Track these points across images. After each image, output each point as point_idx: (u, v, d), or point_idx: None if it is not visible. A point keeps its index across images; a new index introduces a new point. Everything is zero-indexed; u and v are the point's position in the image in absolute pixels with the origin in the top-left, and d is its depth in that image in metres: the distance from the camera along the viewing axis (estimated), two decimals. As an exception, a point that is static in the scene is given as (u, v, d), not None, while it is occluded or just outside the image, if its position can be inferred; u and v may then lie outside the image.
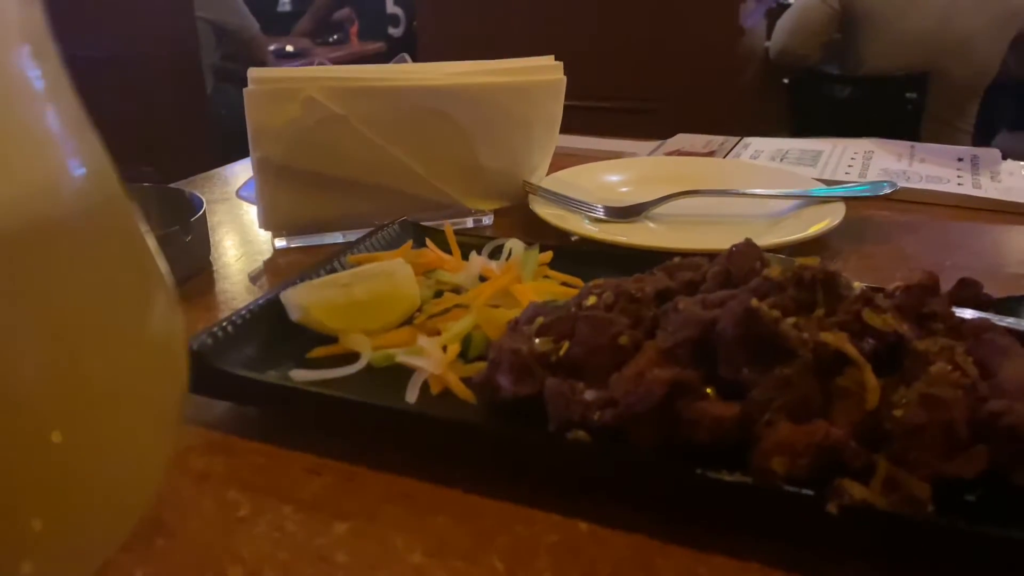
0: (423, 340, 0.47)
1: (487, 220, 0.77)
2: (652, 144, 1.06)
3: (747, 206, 0.77)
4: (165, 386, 0.23)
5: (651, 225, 0.75)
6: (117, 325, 0.20)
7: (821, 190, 0.77)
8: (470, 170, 0.75)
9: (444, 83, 0.71)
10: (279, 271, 0.69)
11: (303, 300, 0.49)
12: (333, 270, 0.56)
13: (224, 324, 0.48)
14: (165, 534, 0.38)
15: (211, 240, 0.71)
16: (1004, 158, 0.95)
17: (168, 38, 2.61)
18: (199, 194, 0.69)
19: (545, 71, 0.75)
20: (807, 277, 0.43)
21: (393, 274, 0.52)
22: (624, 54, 2.09)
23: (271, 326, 0.50)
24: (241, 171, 0.99)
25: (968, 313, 0.47)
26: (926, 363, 0.39)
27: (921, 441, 0.35)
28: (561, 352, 0.43)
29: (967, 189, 0.83)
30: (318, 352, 0.49)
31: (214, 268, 0.69)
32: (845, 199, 0.74)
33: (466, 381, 0.45)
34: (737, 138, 1.06)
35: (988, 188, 0.83)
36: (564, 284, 0.57)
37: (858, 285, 0.46)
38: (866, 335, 0.40)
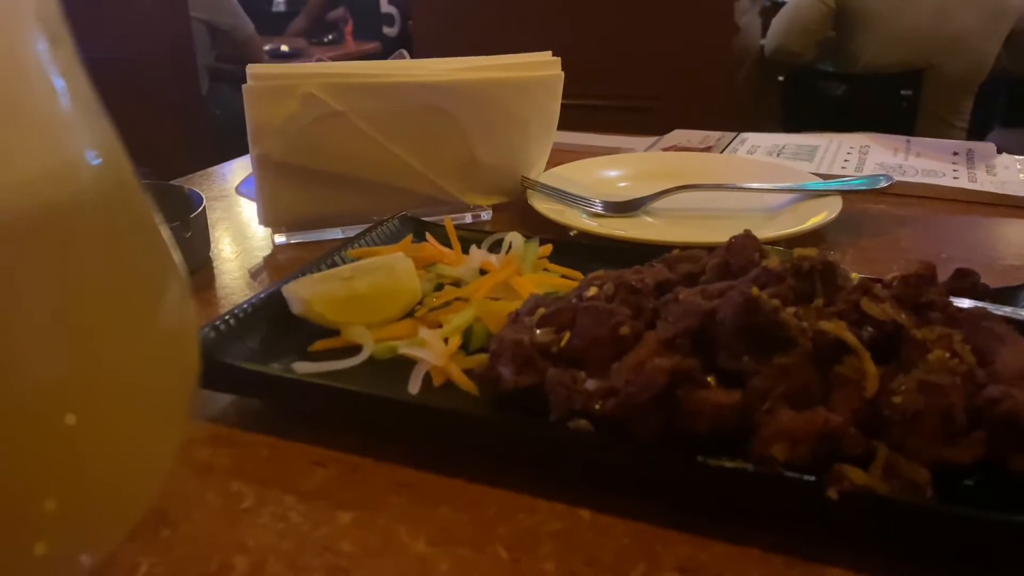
0: (425, 332, 0.48)
1: (485, 216, 0.78)
2: (649, 140, 1.06)
3: (744, 200, 0.78)
4: (177, 374, 0.23)
5: (649, 220, 0.76)
6: (131, 311, 0.21)
7: (818, 184, 0.78)
8: (468, 166, 0.75)
9: (442, 79, 0.72)
10: (279, 267, 0.69)
11: (305, 293, 0.50)
12: (334, 264, 0.56)
13: (226, 318, 0.48)
14: (169, 525, 0.38)
15: (210, 237, 0.71)
16: (998, 152, 0.95)
17: (163, 39, 2.61)
18: (198, 191, 0.70)
19: (543, 67, 0.76)
20: (806, 267, 0.43)
21: (394, 268, 0.52)
22: (619, 52, 2.10)
23: (273, 320, 0.51)
24: (239, 168, 0.99)
25: (965, 303, 0.48)
26: (924, 351, 0.39)
27: (920, 427, 0.36)
28: (562, 343, 0.43)
29: (963, 182, 0.83)
30: (320, 345, 0.49)
31: (214, 264, 0.70)
32: (841, 192, 0.74)
33: (468, 373, 0.46)
34: (734, 134, 1.06)
35: (983, 181, 0.84)
36: (564, 277, 0.57)
37: (855, 276, 0.46)
38: (864, 324, 0.41)
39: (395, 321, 0.51)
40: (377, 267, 0.52)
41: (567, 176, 0.82)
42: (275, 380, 0.45)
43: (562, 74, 0.76)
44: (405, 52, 0.90)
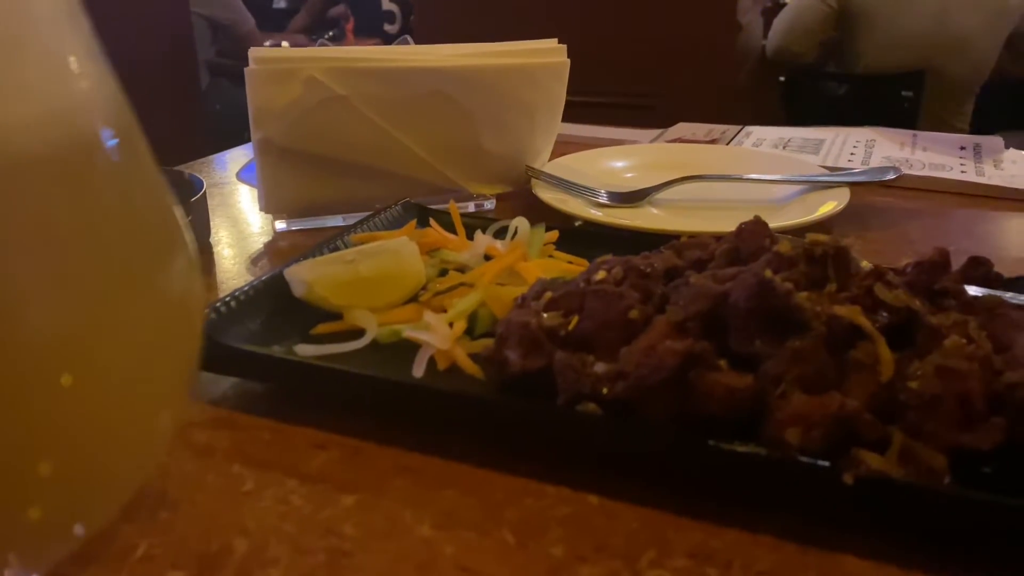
0: (429, 316, 0.47)
1: (489, 205, 0.77)
2: (653, 132, 1.06)
3: (751, 192, 0.77)
4: (179, 344, 0.23)
5: (654, 211, 0.75)
6: (136, 272, 0.20)
7: (825, 175, 0.77)
8: (473, 154, 0.75)
9: (447, 64, 0.71)
10: (280, 253, 0.68)
11: (307, 276, 0.49)
12: (336, 249, 0.56)
13: (228, 300, 0.48)
14: (169, 507, 0.38)
15: (210, 223, 0.70)
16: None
17: (164, 33, 2.60)
18: (199, 176, 0.69)
19: (549, 54, 0.75)
20: (818, 252, 0.42)
21: (398, 252, 0.51)
22: (620, 50, 2.09)
23: (275, 303, 0.50)
24: (239, 156, 0.98)
25: (978, 291, 0.47)
26: (940, 337, 0.38)
27: (937, 412, 0.35)
28: (570, 326, 0.42)
29: (970, 176, 0.83)
30: (322, 328, 0.48)
31: (213, 250, 0.69)
32: (849, 185, 0.74)
33: (473, 357, 0.45)
34: (739, 127, 1.05)
35: (991, 175, 0.83)
36: (570, 264, 0.56)
37: (866, 264, 0.46)
38: (878, 310, 0.40)
39: (399, 305, 0.50)
40: (381, 251, 0.51)
41: (572, 166, 0.82)
42: (277, 362, 0.44)
43: (568, 61, 0.76)
44: (409, 38, 0.90)
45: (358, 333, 0.47)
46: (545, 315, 0.43)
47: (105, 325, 0.19)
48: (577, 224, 0.69)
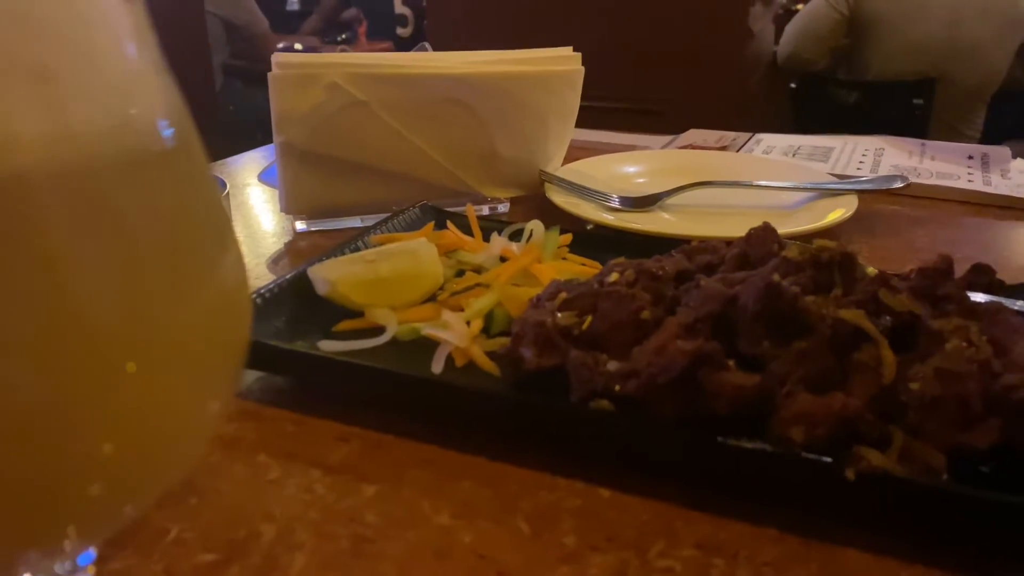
0: (447, 314, 0.48)
1: (502, 208, 0.78)
2: (665, 139, 1.07)
3: (760, 198, 0.78)
4: (230, 335, 0.24)
5: (665, 215, 0.76)
6: (193, 266, 0.21)
7: (833, 183, 0.78)
8: (487, 158, 0.76)
9: (463, 71, 0.72)
10: (299, 253, 0.70)
11: (330, 275, 0.51)
12: (357, 249, 0.57)
13: (253, 297, 0.49)
14: (197, 494, 0.39)
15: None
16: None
17: (178, 34, 2.63)
18: (221, 176, 0.71)
19: (564, 61, 0.76)
20: (825, 258, 0.44)
21: (417, 252, 0.53)
22: (631, 56, 2.10)
23: (298, 300, 0.52)
24: (258, 158, 1.00)
25: (981, 297, 0.48)
26: (941, 341, 0.40)
27: (937, 413, 0.37)
28: (584, 326, 0.44)
29: (977, 185, 0.84)
30: (344, 325, 0.50)
31: (235, 250, 0.70)
32: (857, 192, 0.75)
33: (489, 355, 0.46)
34: (749, 134, 1.07)
35: (998, 185, 0.84)
36: (583, 266, 0.58)
37: (872, 270, 0.47)
38: (882, 314, 0.42)
39: (417, 304, 0.52)
40: (400, 252, 0.53)
41: (584, 171, 0.83)
42: (302, 357, 0.46)
43: (582, 69, 0.77)
44: (427, 44, 0.91)
45: (378, 330, 0.49)
46: (560, 315, 0.45)
47: (166, 317, 0.21)
48: (588, 227, 0.71)
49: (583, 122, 0.87)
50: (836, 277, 0.44)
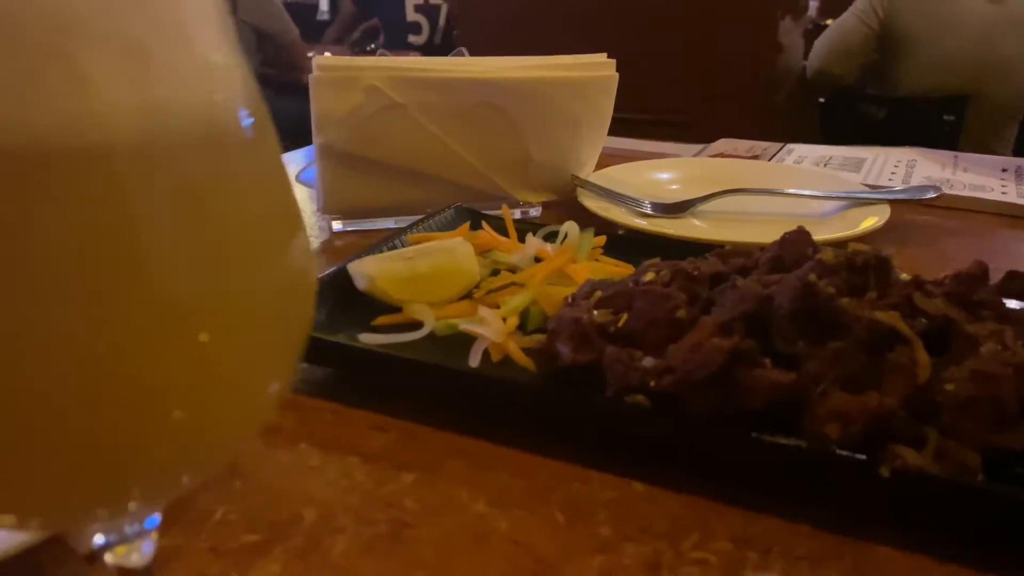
0: (484, 311, 0.49)
1: (534, 212, 0.79)
2: (696, 147, 1.07)
3: (792, 206, 0.78)
4: (296, 316, 0.25)
5: (696, 223, 0.77)
6: (266, 245, 0.22)
7: (865, 192, 0.78)
8: (521, 163, 0.77)
9: (499, 76, 0.74)
10: (336, 251, 0.72)
11: (370, 271, 0.52)
12: (395, 247, 0.58)
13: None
14: (242, 477, 0.40)
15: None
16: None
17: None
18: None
19: (598, 67, 0.77)
20: (860, 261, 0.44)
21: (454, 250, 0.54)
22: (659, 68, 2.10)
23: (339, 295, 0.53)
24: (299, 158, 1.02)
25: (1015, 304, 0.48)
26: (976, 345, 0.40)
27: (972, 413, 0.37)
28: (619, 323, 0.44)
29: (1011, 197, 0.84)
30: (383, 320, 0.51)
31: (273, 248, 0.72)
32: (889, 202, 0.75)
33: (525, 351, 0.47)
34: (780, 144, 1.07)
35: (1032, 198, 0.84)
36: (616, 268, 0.58)
37: (905, 276, 0.47)
38: (916, 317, 0.42)
39: (454, 301, 0.53)
40: (438, 250, 0.54)
41: (616, 177, 0.84)
42: (343, 349, 0.47)
43: (616, 75, 0.78)
44: (464, 50, 0.93)
45: (416, 325, 0.50)
46: (595, 312, 0.45)
47: (240, 292, 0.22)
48: (620, 232, 0.71)
49: (612, 133, 0.88)
50: (871, 280, 0.44)
